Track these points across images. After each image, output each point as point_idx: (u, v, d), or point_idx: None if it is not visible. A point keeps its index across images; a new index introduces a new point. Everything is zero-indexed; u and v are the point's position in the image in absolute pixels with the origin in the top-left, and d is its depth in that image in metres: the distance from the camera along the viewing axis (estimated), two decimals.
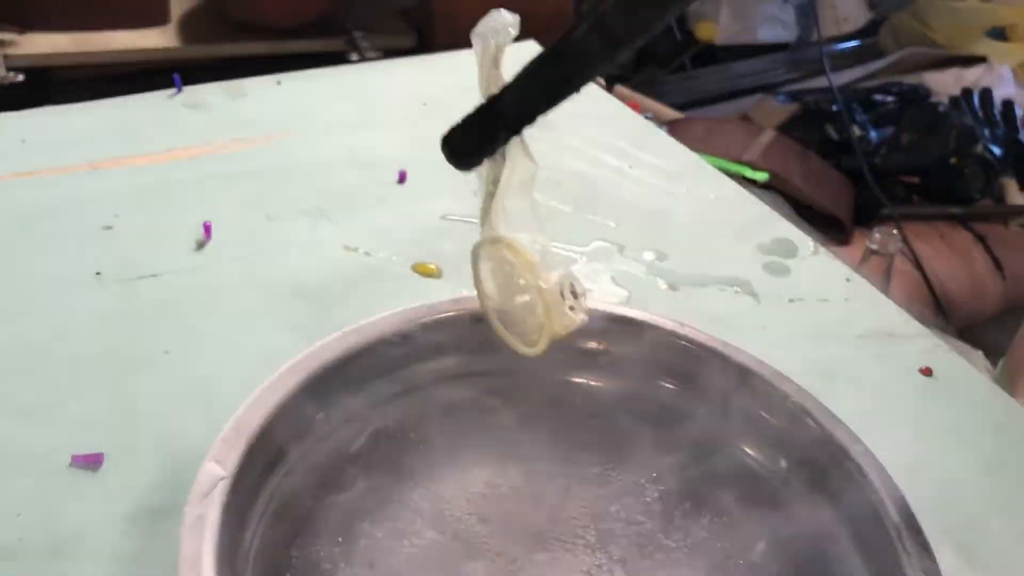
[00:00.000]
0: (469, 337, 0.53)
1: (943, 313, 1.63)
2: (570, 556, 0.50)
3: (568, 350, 0.54)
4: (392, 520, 0.50)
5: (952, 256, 1.71)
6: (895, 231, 1.27)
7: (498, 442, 0.53)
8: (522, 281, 0.48)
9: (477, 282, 0.50)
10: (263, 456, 0.45)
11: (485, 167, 0.48)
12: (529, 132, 0.46)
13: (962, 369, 0.67)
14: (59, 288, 0.66)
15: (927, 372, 0.67)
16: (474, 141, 0.47)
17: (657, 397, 0.54)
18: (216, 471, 0.43)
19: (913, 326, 0.71)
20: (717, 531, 0.51)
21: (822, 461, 0.49)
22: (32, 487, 0.52)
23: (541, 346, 0.48)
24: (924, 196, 1.82)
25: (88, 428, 0.56)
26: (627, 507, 0.52)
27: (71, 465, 0.54)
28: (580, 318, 0.48)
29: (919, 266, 1.66)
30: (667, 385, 0.55)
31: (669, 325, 0.54)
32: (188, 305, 0.66)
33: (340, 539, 0.48)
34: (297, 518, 0.47)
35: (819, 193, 1.67)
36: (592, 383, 0.56)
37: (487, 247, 0.49)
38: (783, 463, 0.51)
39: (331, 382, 0.49)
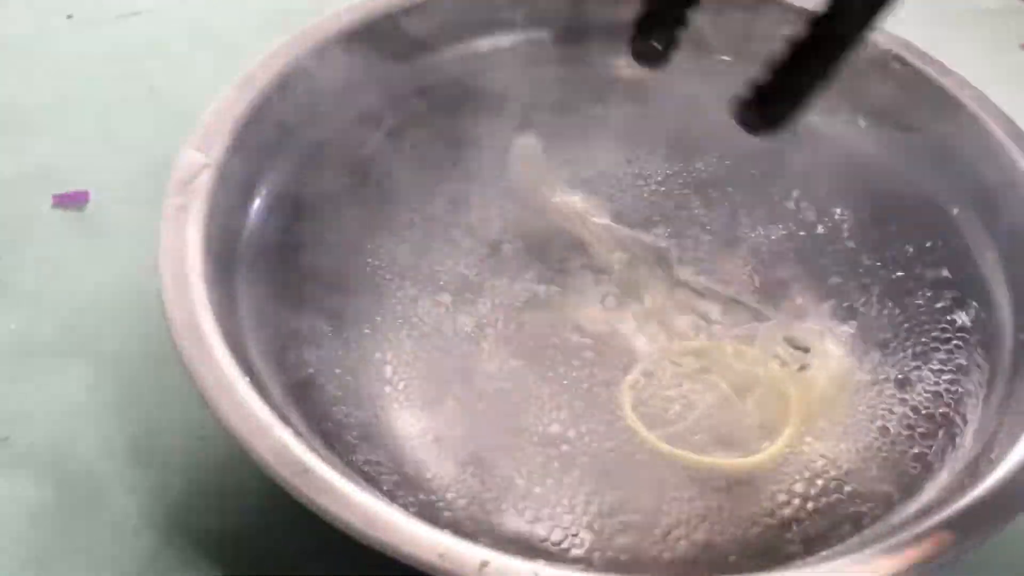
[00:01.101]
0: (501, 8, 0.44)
1: None
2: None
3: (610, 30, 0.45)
4: (414, 228, 0.43)
5: None
6: None
7: (531, 138, 0.45)
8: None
9: None
10: (255, 145, 0.38)
11: None
12: None
13: None
14: (28, 35, 0.58)
15: None
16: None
17: (712, 72, 0.45)
18: (197, 158, 0.35)
19: (1010, 1, 0.61)
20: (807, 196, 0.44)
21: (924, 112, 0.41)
22: (12, 230, 0.46)
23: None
24: None
25: (71, 168, 0.49)
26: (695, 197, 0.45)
27: (53, 207, 0.47)
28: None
29: None
30: (721, 57, 0.45)
31: None
32: (174, 39, 0.59)
33: (356, 244, 0.42)
34: (306, 223, 0.40)
35: None
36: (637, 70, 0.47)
37: None
38: (861, 123, 0.43)
39: (335, 62, 0.41)
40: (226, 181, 0.36)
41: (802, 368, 0.39)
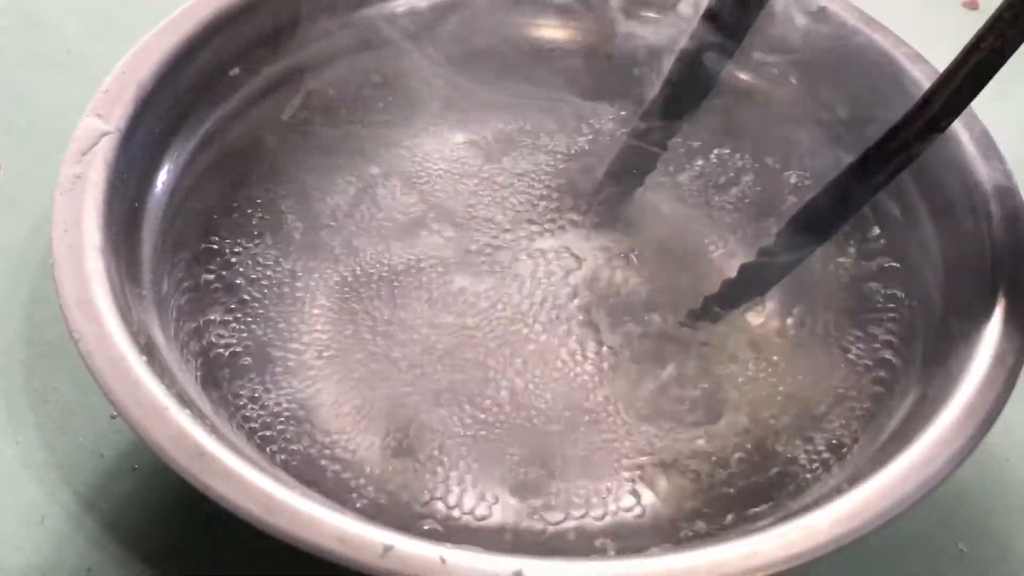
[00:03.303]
0: None
1: None
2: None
3: None
4: (338, 195, 0.42)
5: None
6: None
7: (452, 106, 0.44)
8: None
9: None
10: (162, 113, 0.36)
11: None
12: None
13: None
14: None
15: (972, 5, 0.57)
16: None
17: (637, 33, 0.44)
18: (98, 126, 0.34)
19: None
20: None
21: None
22: None
23: None
24: None
25: None
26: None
27: None
28: None
29: None
30: (647, 14, 0.44)
31: None
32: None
33: (272, 212, 0.40)
34: (218, 192, 0.38)
35: None
36: (558, 32, 0.45)
37: None
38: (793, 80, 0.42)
39: (248, 27, 0.39)
40: (129, 149, 0.34)
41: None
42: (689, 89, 0.40)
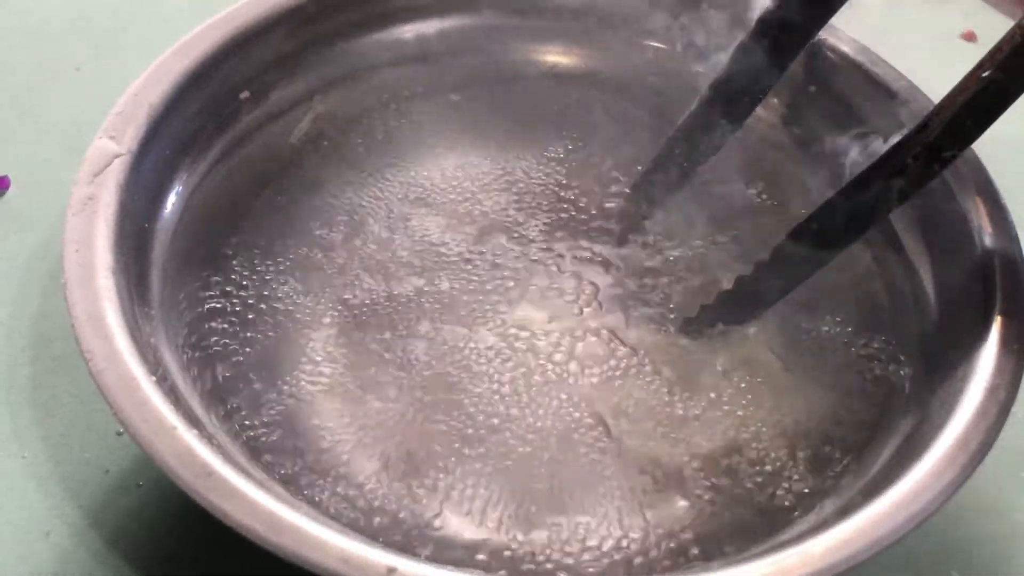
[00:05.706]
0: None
1: None
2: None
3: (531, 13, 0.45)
4: (345, 218, 0.42)
5: None
6: None
7: (460, 130, 0.44)
8: None
9: None
10: (172, 135, 0.37)
11: None
12: None
13: None
14: None
15: (970, 37, 0.58)
16: None
17: (640, 64, 0.45)
18: (110, 147, 0.34)
19: None
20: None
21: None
22: None
23: None
24: None
25: None
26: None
27: None
28: None
29: None
30: (653, 44, 0.45)
31: None
32: (102, 16, 0.56)
33: (278, 236, 0.40)
34: (227, 214, 0.39)
35: None
36: (563, 59, 0.46)
37: None
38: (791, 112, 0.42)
39: (259, 51, 0.40)
40: (140, 171, 0.34)
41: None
42: (721, 119, 0.40)
